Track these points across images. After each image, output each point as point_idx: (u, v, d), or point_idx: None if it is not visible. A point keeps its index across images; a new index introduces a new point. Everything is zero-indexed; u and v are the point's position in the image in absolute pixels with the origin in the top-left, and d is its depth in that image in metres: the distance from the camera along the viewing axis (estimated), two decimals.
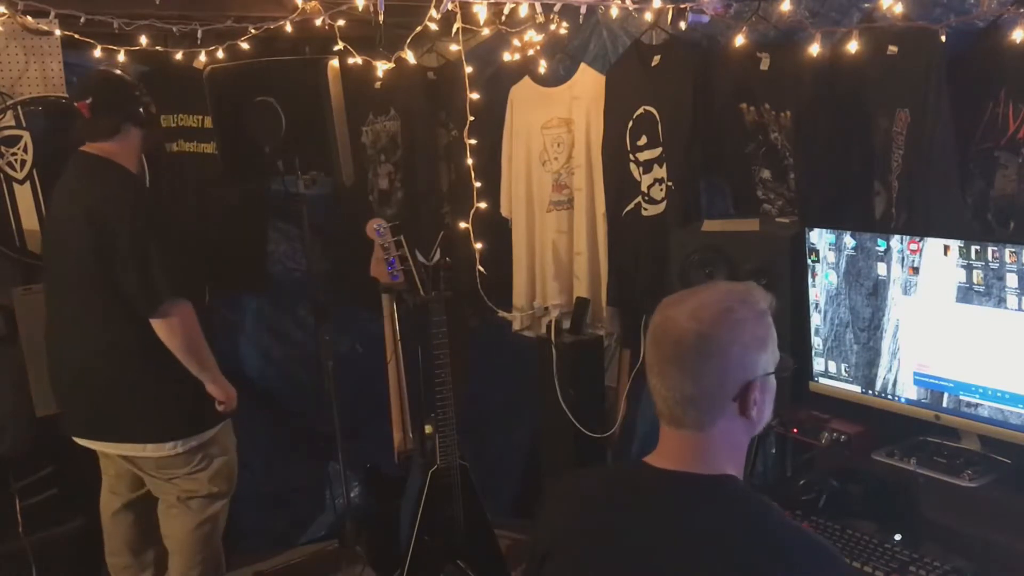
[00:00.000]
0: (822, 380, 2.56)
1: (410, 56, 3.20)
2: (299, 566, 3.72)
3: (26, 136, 3.18)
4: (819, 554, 1.34)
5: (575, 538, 1.46)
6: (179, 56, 3.34)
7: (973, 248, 2.15)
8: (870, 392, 2.44)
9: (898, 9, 2.39)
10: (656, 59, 3.15)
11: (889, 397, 2.40)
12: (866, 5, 2.62)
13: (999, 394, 2.15)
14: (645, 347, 1.44)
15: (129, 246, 2.65)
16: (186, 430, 2.84)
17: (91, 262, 2.69)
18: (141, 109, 2.84)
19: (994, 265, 2.11)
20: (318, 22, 2.97)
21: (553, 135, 3.53)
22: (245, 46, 3.23)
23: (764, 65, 2.85)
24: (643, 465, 1.45)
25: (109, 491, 3.06)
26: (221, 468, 2.96)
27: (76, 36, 3.11)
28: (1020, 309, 2.08)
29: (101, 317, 2.77)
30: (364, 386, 4.02)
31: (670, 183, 3.15)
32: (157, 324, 2.69)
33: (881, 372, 2.41)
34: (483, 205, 3.44)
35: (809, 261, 2.54)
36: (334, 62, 3.24)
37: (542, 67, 3.50)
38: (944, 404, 2.27)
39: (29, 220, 3.21)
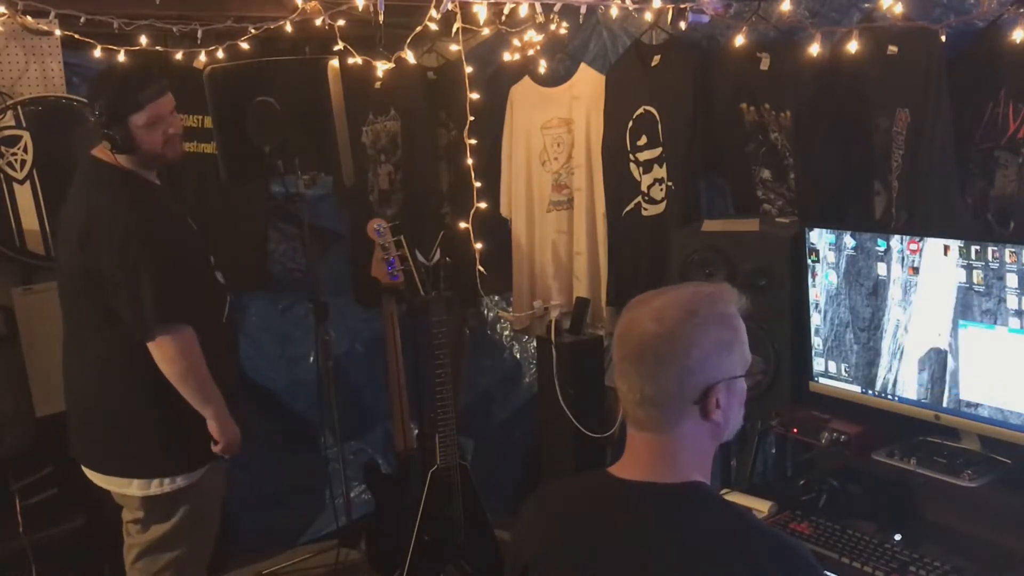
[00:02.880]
0: (822, 380, 2.56)
1: (410, 56, 3.20)
2: (299, 566, 3.72)
3: (26, 136, 3.18)
4: (793, 558, 1.33)
5: (552, 555, 1.45)
6: (179, 56, 3.34)
7: (973, 248, 2.15)
8: (870, 392, 2.44)
9: (898, 9, 2.39)
10: (656, 59, 3.15)
11: (889, 397, 2.40)
12: (866, 5, 2.63)
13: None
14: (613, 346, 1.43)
15: (118, 267, 2.42)
16: (185, 465, 2.57)
17: (80, 280, 2.49)
18: (107, 141, 2.48)
19: (994, 265, 2.11)
20: (318, 22, 2.98)
21: (553, 135, 3.53)
22: (245, 46, 3.24)
23: (764, 65, 2.85)
24: (608, 476, 1.43)
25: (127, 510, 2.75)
26: (200, 511, 2.65)
27: (76, 36, 3.11)
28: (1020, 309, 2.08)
29: (90, 335, 2.56)
30: (364, 386, 4.03)
31: (670, 183, 3.15)
32: (152, 349, 2.46)
33: (881, 372, 2.41)
34: (483, 205, 3.44)
35: (809, 261, 2.54)
36: (334, 62, 3.24)
37: (542, 67, 3.50)
38: (944, 404, 2.27)
39: (29, 220, 3.21)
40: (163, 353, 2.47)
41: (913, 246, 2.28)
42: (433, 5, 2.67)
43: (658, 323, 1.35)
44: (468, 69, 3.25)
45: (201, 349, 2.52)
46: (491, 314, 4.17)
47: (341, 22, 3.01)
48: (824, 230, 2.50)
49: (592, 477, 1.52)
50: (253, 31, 3.19)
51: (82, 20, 3.01)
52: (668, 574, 1.32)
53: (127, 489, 2.58)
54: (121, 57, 3.18)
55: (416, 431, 3.47)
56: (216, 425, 2.55)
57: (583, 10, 2.86)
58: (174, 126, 2.58)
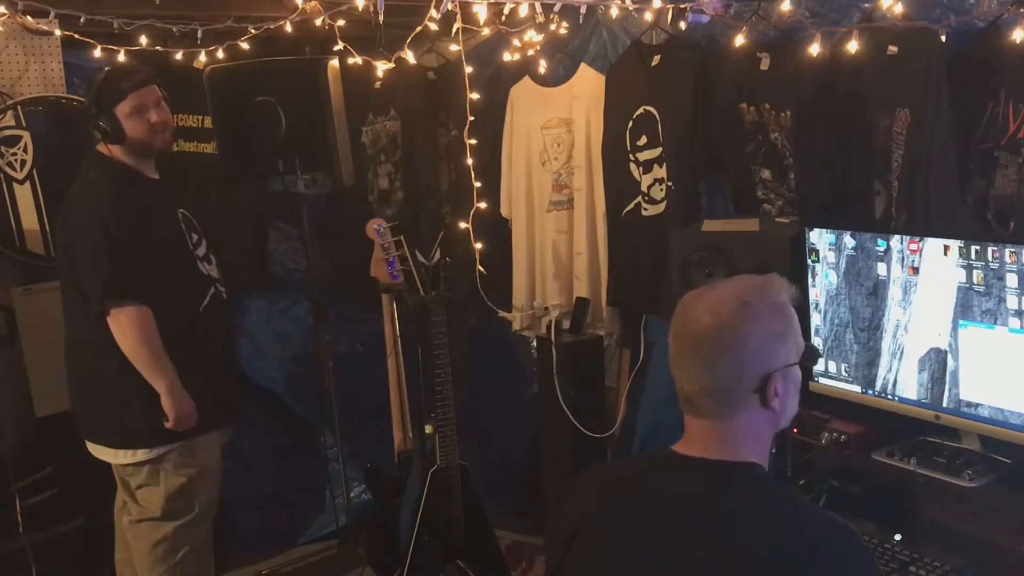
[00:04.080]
0: (822, 380, 2.56)
1: (410, 56, 3.21)
2: (299, 566, 3.72)
3: (26, 136, 3.19)
4: (846, 538, 1.35)
5: (600, 521, 1.48)
6: (179, 56, 3.35)
7: (973, 248, 2.15)
8: (870, 392, 2.44)
9: (898, 9, 2.39)
10: (656, 59, 3.15)
11: (889, 397, 2.40)
12: (866, 5, 2.62)
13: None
14: (668, 341, 1.47)
15: (82, 243, 2.64)
16: (149, 439, 2.74)
17: (68, 262, 2.70)
18: (97, 132, 2.71)
19: (994, 265, 2.11)
20: (318, 22, 2.98)
21: (553, 135, 3.53)
22: (245, 46, 3.24)
23: (764, 65, 2.85)
24: (669, 452, 1.47)
25: (119, 483, 3.00)
26: (183, 487, 2.80)
27: (76, 36, 3.12)
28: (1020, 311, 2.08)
29: (76, 313, 2.75)
30: (364, 386, 4.02)
31: (670, 183, 3.15)
32: (109, 324, 2.65)
33: (881, 372, 2.41)
34: (483, 205, 3.44)
35: (809, 261, 2.54)
36: (334, 62, 3.24)
37: (542, 67, 3.50)
38: (944, 404, 2.27)
39: (29, 220, 3.21)
40: (117, 327, 2.65)
41: (913, 246, 2.28)
42: (433, 5, 2.67)
43: (714, 317, 1.39)
44: (468, 69, 3.25)
45: (168, 331, 2.69)
46: (491, 314, 4.16)
47: (341, 22, 3.01)
48: (824, 230, 2.51)
49: (653, 453, 1.58)
50: (253, 31, 3.19)
51: (82, 20, 3.02)
52: (717, 546, 1.34)
53: (103, 455, 2.81)
54: (121, 57, 3.18)
55: (416, 431, 3.47)
56: (168, 399, 2.69)
57: (583, 10, 2.87)
58: (158, 115, 2.74)
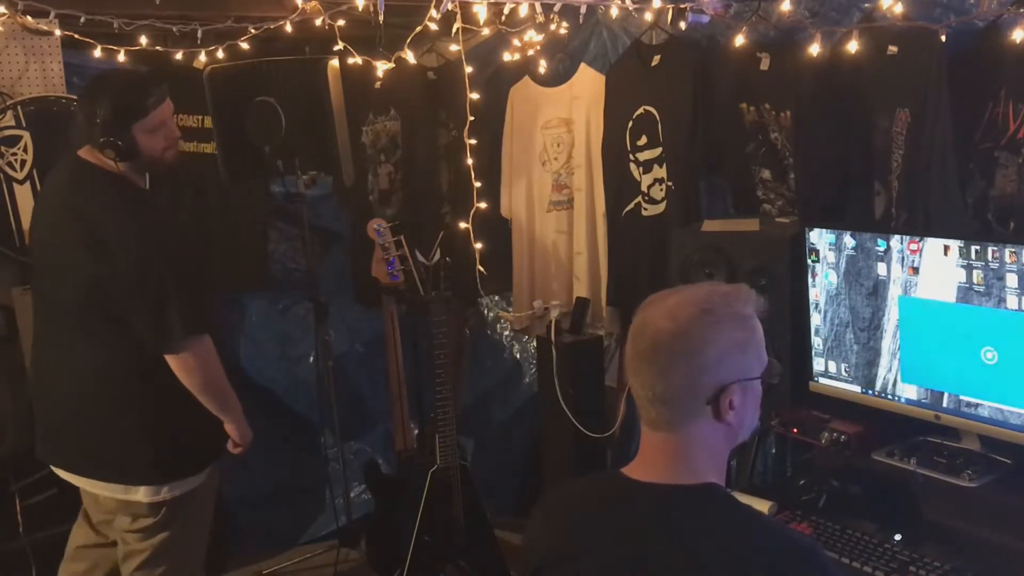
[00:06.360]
0: (822, 380, 2.56)
1: (410, 56, 3.21)
2: (299, 566, 3.72)
3: (26, 136, 3.19)
4: (806, 560, 1.32)
5: (564, 556, 1.44)
6: (179, 56, 3.35)
7: (973, 248, 2.15)
8: (870, 392, 2.44)
9: (898, 9, 2.39)
10: (656, 59, 3.15)
11: (889, 397, 2.40)
12: (866, 5, 2.63)
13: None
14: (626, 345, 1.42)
15: (138, 280, 2.35)
16: (179, 471, 2.51)
17: (87, 289, 2.39)
18: (124, 144, 2.40)
19: (994, 265, 2.11)
20: (318, 22, 2.98)
21: (553, 135, 3.53)
22: (245, 46, 3.24)
23: (764, 65, 2.85)
24: (623, 478, 1.42)
25: (83, 518, 2.76)
26: (195, 518, 2.61)
27: (76, 36, 3.12)
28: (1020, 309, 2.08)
29: (86, 342, 2.46)
30: (364, 386, 4.03)
31: (670, 183, 3.15)
32: (172, 361, 2.40)
33: (881, 372, 2.41)
34: (483, 205, 3.45)
35: (809, 261, 2.54)
36: (334, 62, 3.24)
37: (542, 67, 3.50)
38: (944, 404, 2.27)
39: (29, 220, 3.21)
40: (184, 365, 2.41)
41: (913, 246, 2.28)
42: (433, 5, 2.67)
43: (672, 321, 1.34)
44: (468, 69, 3.25)
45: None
46: (491, 314, 4.17)
47: (341, 22, 3.01)
48: (824, 230, 2.50)
49: (605, 478, 1.51)
50: (253, 31, 3.20)
51: (82, 20, 3.02)
52: None
53: (133, 496, 2.50)
54: (121, 57, 3.18)
55: (416, 431, 3.47)
56: (236, 429, 2.55)
57: (583, 10, 2.87)
58: (175, 131, 2.57)
